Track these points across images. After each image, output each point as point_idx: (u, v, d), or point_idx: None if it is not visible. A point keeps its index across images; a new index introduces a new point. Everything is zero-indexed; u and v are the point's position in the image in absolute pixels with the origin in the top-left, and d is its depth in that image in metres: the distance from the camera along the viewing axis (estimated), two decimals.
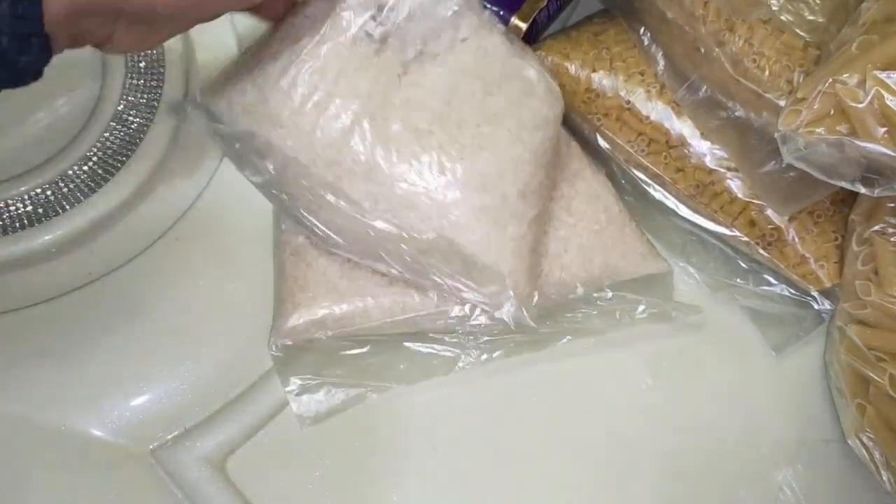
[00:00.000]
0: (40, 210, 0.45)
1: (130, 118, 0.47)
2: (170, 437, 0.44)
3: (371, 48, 0.38)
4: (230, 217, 0.49)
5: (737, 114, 0.42)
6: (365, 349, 0.45)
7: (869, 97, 0.34)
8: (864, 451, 0.42)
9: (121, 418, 0.44)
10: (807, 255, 0.45)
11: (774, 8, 0.39)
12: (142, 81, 0.48)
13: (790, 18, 0.39)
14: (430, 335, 0.45)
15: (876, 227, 0.43)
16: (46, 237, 0.44)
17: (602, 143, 0.48)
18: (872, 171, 0.36)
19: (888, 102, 0.33)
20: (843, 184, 0.37)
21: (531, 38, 0.49)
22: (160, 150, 0.47)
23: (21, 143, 0.48)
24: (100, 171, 0.46)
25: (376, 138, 0.38)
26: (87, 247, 0.46)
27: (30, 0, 0.28)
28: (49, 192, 0.45)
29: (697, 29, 0.41)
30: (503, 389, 0.46)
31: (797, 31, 0.39)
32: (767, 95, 0.40)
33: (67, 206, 0.45)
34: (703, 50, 0.41)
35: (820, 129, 0.35)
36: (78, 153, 0.46)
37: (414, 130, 0.38)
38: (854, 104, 0.34)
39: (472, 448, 0.45)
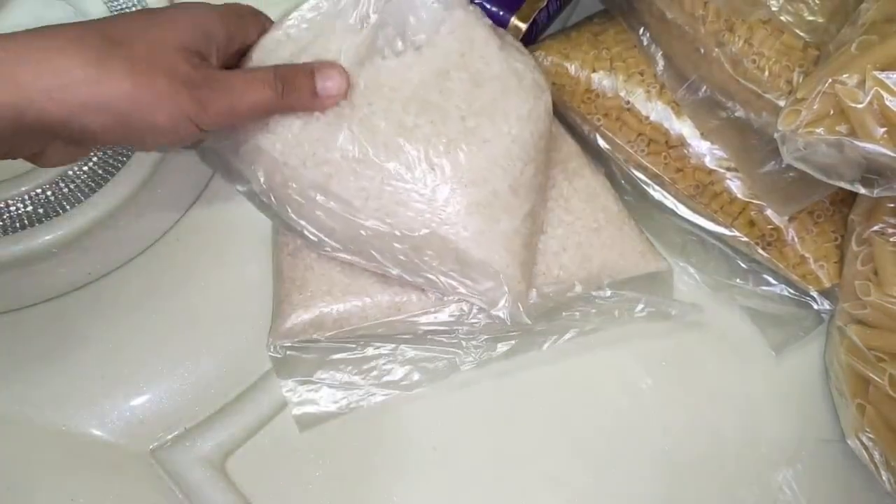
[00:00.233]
0: (40, 210, 0.45)
1: None
2: (170, 437, 0.44)
3: (357, 41, 0.38)
4: (230, 217, 0.49)
5: (736, 114, 0.42)
6: (364, 352, 0.45)
7: (868, 97, 0.34)
8: (863, 451, 0.42)
9: (121, 418, 0.44)
10: (806, 255, 0.45)
11: (774, 8, 0.39)
12: None
13: (790, 19, 0.39)
14: (429, 337, 0.45)
15: (875, 228, 0.43)
16: (46, 237, 0.44)
17: (602, 143, 0.48)
18: (872, 171, 0.36)
19: (887, 103, 0.33)
20: (843, 184, 0.37)
21: (531, 38, 0.49)
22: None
23: None
24: (100, 171, 0.46)
25: (363, 133, 0.38)
26: (87, 247, 0.46)
27: None
28: (49, 192, 0.46)
29: (697, 29, 0.41)
30: (503, 389, 0.46)
31: (797, 31, 0.39)
32: (767, 96, 0.40)
33: (67, 206, 0.45)
34: (702, 50, 0.42)
35: (819, 130, 0.35)
36: None
37: (399, 124, 0.38)
38: (853, 104, 0.34)
39: (471, 448, 0.45)
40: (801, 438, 0.46)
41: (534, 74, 0.40)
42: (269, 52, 0.39)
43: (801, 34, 0.39)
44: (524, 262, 0.40)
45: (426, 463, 0.45)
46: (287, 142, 0.38)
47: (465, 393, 0.46)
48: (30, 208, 0.45)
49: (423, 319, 0.43)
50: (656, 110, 0.46)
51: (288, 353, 0.44)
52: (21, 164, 0.46)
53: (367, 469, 0.45)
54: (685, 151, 0.46)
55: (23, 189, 0.45)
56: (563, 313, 0.46)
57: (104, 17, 0.34)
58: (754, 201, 0.45)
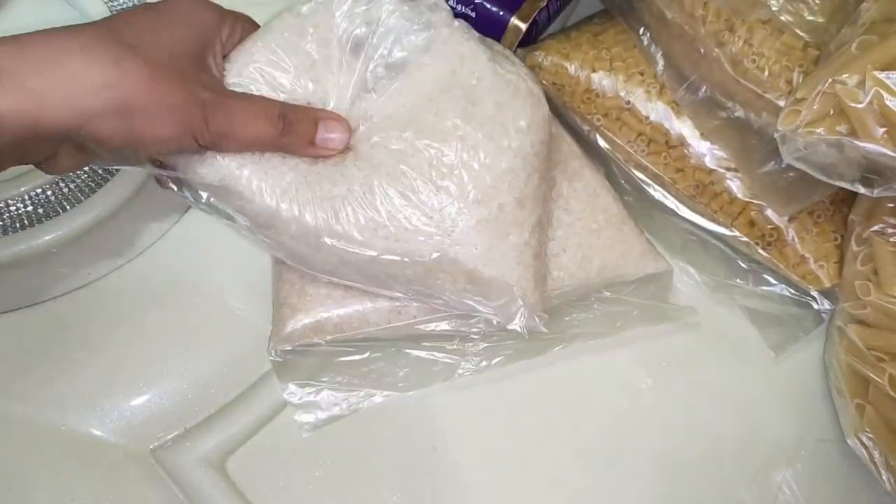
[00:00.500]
0: (40, 210, 0.45)
1: None
2: (170, 437, 0.44)
3: (349, 75, 0.38)
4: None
5: (736, 114, 0.42)
6: (365, 355, 0.45)
7: (868, 97, 0.34)
8: (863, 451, 0.42)
9: (121, 418, 0.44)
10: (806, 255, 0.45)
11: (774, 8, 0.39)
12: None
13: (790, 19, 0.39)
14: (430, 343, 0.45)
15: (875, 228, 0.43)
16: (46, 237, 0.44)
17: (602, 143, 0.48)
18: (872, 171, 0.36)
19: (887, 103, 0.33)
20: (843, 184, 0.37)
21: (531, 38, 0.49)
22: None
23: None
24: (100, 171, 0.46)
25: (366, 167, 0.37)
26: (87, 247, 0.46)
27: None
28: (49, 192, 0.46)
29: (697, 29, 0.41)
30: (503, 390, 0.46)
31: (797, 31, 0.39)
32: (767, 96, 0.40)
33: (67, 206, 0.45)
34: (702, 50, 0.42)
35: (819, 130, 0.35)
36: None
37: (400, 151, 0.38)
38: (853, 104, 0.34)
39: (472, 449, 0.45)
40: (801, 438, 0.46)
41: (527, 83, 0.40)
42: (250, 55, 0.38)
43: (801, 34, 0.39)
44: (537, 273, 0.40)
45: (426, 463, 0.45)
46: (292, 181, 0.37)
47: (466, 393, 0.46)
48: (30, 208, 0.45)
49: (424, 325, 0.43)
50: (656, 110, 0.46)
51: (288, 356, 0.44)
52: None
53: (367, 469, 0.45)
54: (685, 151, 0.46)
55: (23, 189, 0.45)
56: (564, 318, 0.46)
57: (110, 18, 0.34)
58: (754, 201, 0.45)
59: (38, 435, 0.43)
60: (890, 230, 0.43)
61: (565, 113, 0.49)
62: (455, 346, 0.45)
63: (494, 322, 0.41)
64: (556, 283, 0.43)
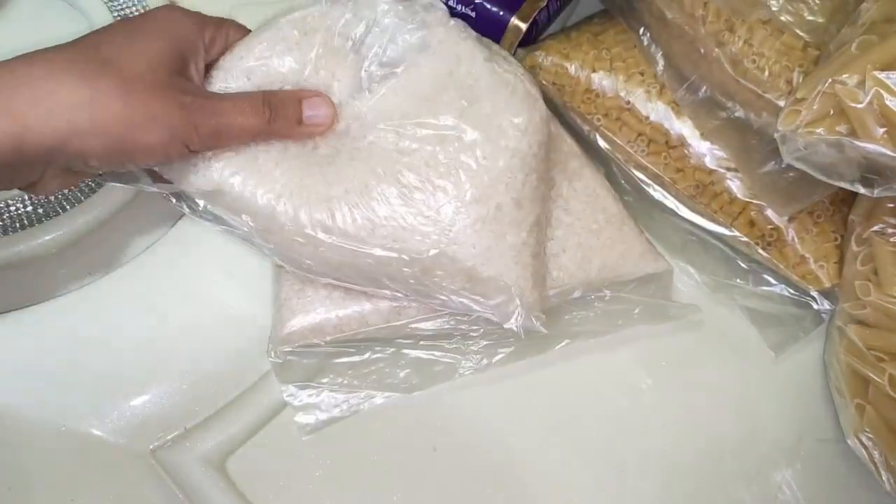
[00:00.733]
0: (40, 210, 0.45)
1: None
2: (170, 437, 0.44)
3: (346, 73, 0.38)
4: None
5: (736, 114, 0.42)
6: (365, 356, 0.45)
7: (868, 97, 0.34)
8: (863, 451, 0.42)
9: (121, 418, 0.44)
10: (806, 255, 0.45)
11: (774, 8, 0.39)
12: None
13: (790, 19, 0.39)
14: (429, 342, 0.45)
15: (875, 228, 0.43)
16: (46, 237, 0.44)
17: (602, 143, 0.48)
18: (872, 171, 0.36)
19: (887, 103, 0.33)
20: (843, 184, 0.37)
21: (531, 39, 0.49)
22: None
23: None
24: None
25: (363, 166, 0.37)
26: (87, 247, 0.46)
27: None
28: None
29: (697, 29, 0.41)
30: (503, 390, 0.46)
31: (797, 31, 0.39)
32: (767, 96, 0.40)
33: (67, 206, 0.45)
34: (702, 50, 0.42)
35: (819, 130, 0.35)
36: None
37: (398, 150, 0.38)
38: (853, 104, 0.34)
39: (472, 448, 0.45)
40: (801, 438, 0.46)
41: (524, 84, 0.40)
42: (239, 59, 0.38)
43: (801, 34, 0.39)
44: (535, 273, 0.40)
45: (426, 463, 0.45)
46: (286, 185, 0.37)
47: (466, 394, 0.46)
48: (30, 208, 0.45)
49: (424, 325, 0.43)
50: (656, 110, 0.46)
51: (288, 357, 0.44)
52: None
53: (367, 469, 0.45)
54: (685, 151, 0.46)
55: None
56: (564, 316, 0.46)
57: (89, 35, 0.34)
58: (754, 201, 0.45)
59: (38, 435, 0.43)
60: (890, 230, 0.43)
61: (565, 113, 0.49)
62: (455, 345, 0.45)
63: (494, 320, 0.41)
64: (556, 283, 0.43)
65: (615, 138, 0.47)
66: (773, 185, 0.43)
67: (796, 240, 0.45)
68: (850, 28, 0.37)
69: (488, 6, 0.48)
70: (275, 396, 0.45)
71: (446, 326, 0.43)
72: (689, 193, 0.46)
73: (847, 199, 0.46)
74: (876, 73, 0.34)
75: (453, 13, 0.47)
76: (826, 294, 0.46)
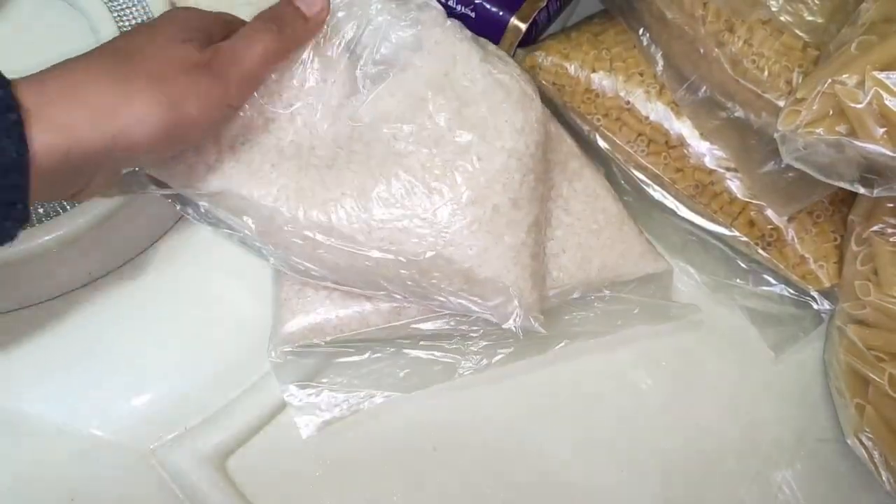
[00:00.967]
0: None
1: None
2: (170, 437, 0.44)
3: (336, 66, 0.38)
4: None
5: (736, 114, 0.42)
6: (365, 356, 0.45)
7: (868, 97, 0.34)
8: (863, 450, 0.42)
9: (121, 418, 0.44)
10: (806, 255, 0.45)
11: (774, 9, 0.39)
12: None
13: (789, 19, 0.39)
14: (429, 342, 0.45)
15: (875, 228, 0.43)
16: (46, 237, 0.44)
17: (601, 143, 0.48)
18: (871, 171, 0.36)
19: (887, 103, 0.33)
20: (842, 184, 0.37)
21: (531, 39, 0.49)
22: None
23: None
24: None
25: (360, 168, 0.37)
26: (87, 247, 0.46)
27: (17, 170, 0.29)
28: None
29: (697, 29, 0.41)
30: (503, 390, 0.46)
31: (796, 31, 0.39)
32: (767, 96, 0.40)
33: (67, 206, 0.45)
34: (702, 50, 0.42)
35: (819, 130, 0.35)
36: None
37: (394, 152, 0.38)
38: (853, 104, 0.34)
39: (472, 448, 0.45)
40: (801, 438, 0.46)
41: (520, 85, 0.40)
42: None
43: (801, 34, 0.39)
44: (534, 273, 0.40)
45: (426, 463, 0.45)
46: (283, 187, 0.37)
47: (466, 393, 0.46)
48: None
49: (424, 325, 0.43)
50: (656, 110, 0.46)
51: (288, 357, 0.44)
52: None
53: (367, 469, 0.45)
54: (685, 151, 0.46)
55: None
56: (564, 316, 0.46)
57: (113, 39, 0.35)
58: (754, 201, 0.45)
59: (38, 435, 0.44)
60: (890, 230, 0.43)
61: (565, 113, 0.49)
62: (455, 345, 0.45)
63: (493, 320, 0.41)
64: (556, 283, 0.43)
65: (615, 138, 0.47)
66: (772, 185, 0.43)
67: (796, 240, 0.45)
68: (849, 28, 0.37)
69: (488, 6, 0.48)
70: (275, 396, 0.45)
71: (446, 327, 0.43)
72: (689, 193, 0.46)
73: (847, 199, 0.46)
74: (875, 73, 0.34)
75: (452, 13, 0.47)
76: (826, 294, 0.46)
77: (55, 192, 0.33)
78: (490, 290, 0.39)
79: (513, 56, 0.48)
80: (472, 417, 0.46)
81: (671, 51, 0.44)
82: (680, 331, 0.47)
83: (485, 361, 0.45)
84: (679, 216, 0.48)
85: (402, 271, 0.38)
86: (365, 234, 0.37)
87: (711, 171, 0.45)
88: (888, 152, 0.34)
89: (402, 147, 0.38)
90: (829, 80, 0.35)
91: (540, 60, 0.48)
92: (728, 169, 0.45)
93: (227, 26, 0.38)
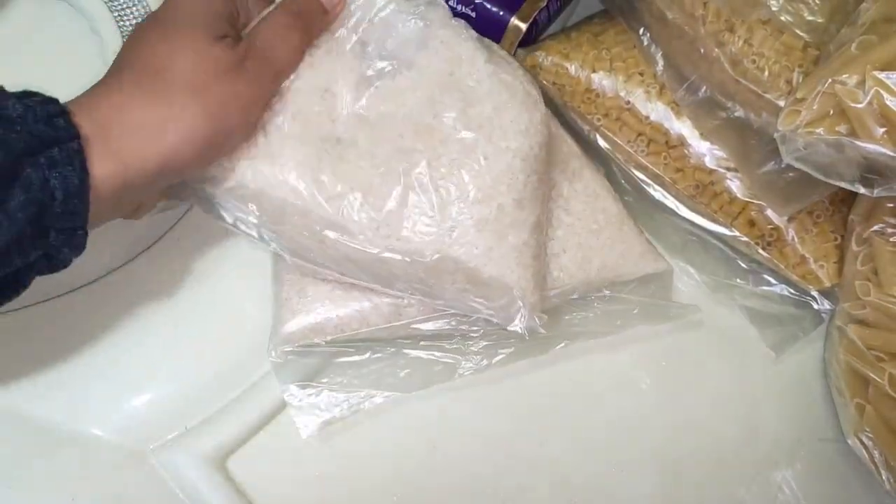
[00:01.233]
0: None
1: None
2: (170, 437, 0.44)
3: (349, 72, 0.38)
4: None
5: (736, 114, 0.42)
6: (365, 356, 0.45)
7: (868, 97, 0.34)
8: (863, 450, 0.42)
9: (121, 418, 0.44)
10: (806, 255, 0.45)
11: (774, 8, 0.39)
12: None
13: (790, 19, 0.39)
14: (430, 342, 0.45)
15: (875, 228, 0.43)
16: None
17: (602, 143, 0.48)
18: (871, 171, 0.36)
19: (887, 102, 0.33)
20: (843, 184, 0.37)
21: (531, 39, 0.49)
22: None
23: None
24: None
25: (367, 164, 0.38)
26: (87, 247, 0.46)
27: (79, 196, 0.30)
28: None
29: (697, 29, 0.41)
30: (503, 390, 0.46)
31: (797, 31, 0.39)
32: (767, 96, 0.40)
33: None
34: (702, 50, 0.42)
35: (819, 130, 0.35)
36: None
37: (399, 150, 0.38)
38: (853, 104, 0.34)
39: (472, 448, 0.45)
40: (801, 438, 0.46)
41: (524, 86, 0.40)
42: None
43: (801, 34, 0.39)
44: (536, 274, 0.40)
45: (426, 463, 0.45)
46: (292, 186, 0.37)
47: (466, 393, 0.46)
48: None
49: (424, 325, 0.43)
50: (656, 110, 0.46)
51: (289, 357, 0.44)
52: None
53: (367, 469, 0.45)
54: (685, 151, 0.46)
55: None
56: (564, 317, 0.46)
57: (129, 44, 0.35)
58: (754, 201, 0.45)
59: (38, 435, 0.43)
60: (890, 230, 0.43)
61: (565, 113, 0.49)
62: (455, 346, 0.45)
63: (494, 321, 0.41)
64: (556, 283, 0.43)
65: (615, 138, 0.47)
66: (772, 185, 0.43)
67: (796, 240, 0.45)
68: (850, 28, 0.37)
69: (488, 6, 0.48)
70: (275, 396, 0.45)
71: (447, 327, 0.43)
72: (689, 193, 0.46)
73: (847, 199, 0.46)
74: (876, 73, 0.34)
75: (454, 13, 0.47)
76: (826, 294, 0.46)
77: (110, 214, 0.33)
78: (494, 291, 0.39)
79: (513, 56, 0.48)
80: (472, 417, 0.46)
81: (671, 51, 0.44)
82: (680, 331, 0.47)
83: (485, 362, 0.45)
84: (679, 216, 0.48)
85: (409, 270, 0.38)
86: (372, 231, 0.37)
87: (711, 171, 0.45)
88: (888, 152, 0.34)
89: (409, 145, 0.38)
90: (830, 80, 0.35)
91: (540, 60, 0.48)
92: (728, 169, 0.45)
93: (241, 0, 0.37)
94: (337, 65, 0.38)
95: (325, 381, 0.45)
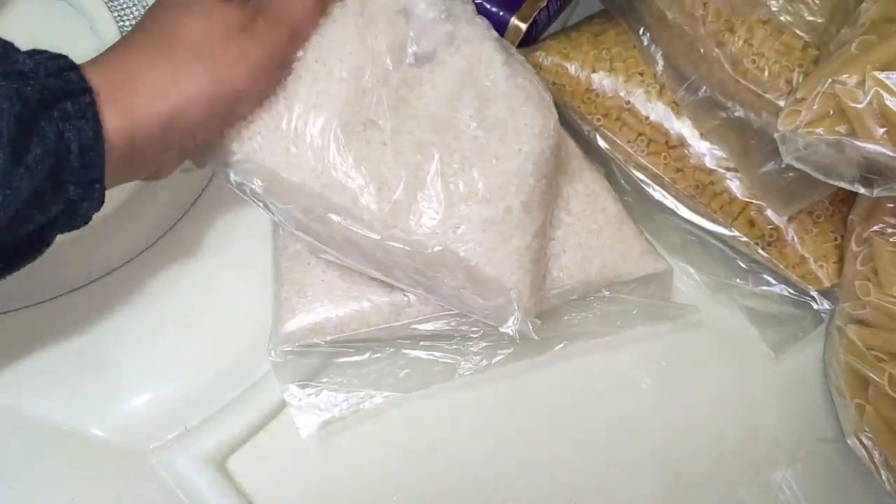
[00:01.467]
0: None
1: None
2: (170, 437, 0.44)
3: (384, 52, 0.38)
4: (230, 217, 0.49)
5: (736, 114, 0.42)
6: (365, 356, 0.45)
7: (868, 97, 0.34)
8: (863, 450, 0.42)
9: (121, 418, 0.44)
10: (806, 255, 0.45)
11: (774, 8, 0.39)
12: None
13: (790, 19, 0.39)
14: (429, 343, 0.45)
15: (875, 228, 0.43)
16: None
17: (601, 143, 0.48)
18: (871, 171, 0.36)
19: (887, 102, 0.33)
20: (843, 184, 0.37)
21: (531, 39, 0.49)
22: None
23: None
24: None
25: (382, 150, 0.38)
26: (87, 246, 0.46)
27: (94, 149, 0.30)
28: None
29: (697, 29, 0.41)
30: (503, 390, 0.46)
31: (797, 31, 0.39)
32: (767, 96, 0.40)
33: None
34: (702, 50, 0.42)
35: (819, 130, 0.35)
36: None
37: (417, 142, 0.38)
38: (853, 104, 0.34)
39: (472, 448, 0.45)
40: (801, 438, 0.46)
41: (540, 90, 0.40)
42: None
43: (801, 34, 0.39)
44: (534, 279, 0.40)
45: (426, 463, 0.45)
46: (313, 168, 0.37)
47: (466, 394, 0.46)
48: None
49: (424, 325, 0.43)
50: (656, 110, 0.46)
51: (288, 357, 0.44)
52: None
53: (366, 469, 0.45)
54: (685, 151, 0.46)
55: None
56: (564, 317, 0.46)
57: (153, 9, 0.35)
58: (754, 201, 0.45)
59: (38, 435, 0.43)
60: (890, 230, 0.43)
61: (565, 113, 0.49)
62: (455, 346, 0.45)
63: (489, 322, 0.41)
64: (556, 283, 0.43)
65: (615, 138, 0.47)
66: (772, 185, 0.43)
67: (796, 240, 0.45)
68: (850, 28, 0.37)
69: (488, 6, 0.48)
70: (275, 396, 0.45)
71: (446, 327, 0.43)
72: (689, 193, 0.46)
73: (847, 199, 0.46)
74: (876, 73, 0.34)
75: None
76: (826, 294, 0.46)
77: (125, 173, 0.33)
78: (491, 290, 0.39)
79: None
80: (472, 418, 0.46)
81: (671, 51, 0.44)
82: (680, 331, 0.47)
83: (485, 362, 0.45)
84: (679, 216, 0.48)
85: (408, 260, 0.38)
86: (380, 221, 0.37)
87: (711, 171, 0.45)
88: (888, 152, 0.34)
89: (426, 137, 0.38)
90: (830, 80, 0.35)
91: (540, 60, 0.48)
92: (728, 169, 0.45)
93: None
94: (365, 47, 0.38)
95: (324, 380, 0.45)
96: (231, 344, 0.46)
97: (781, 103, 0.39)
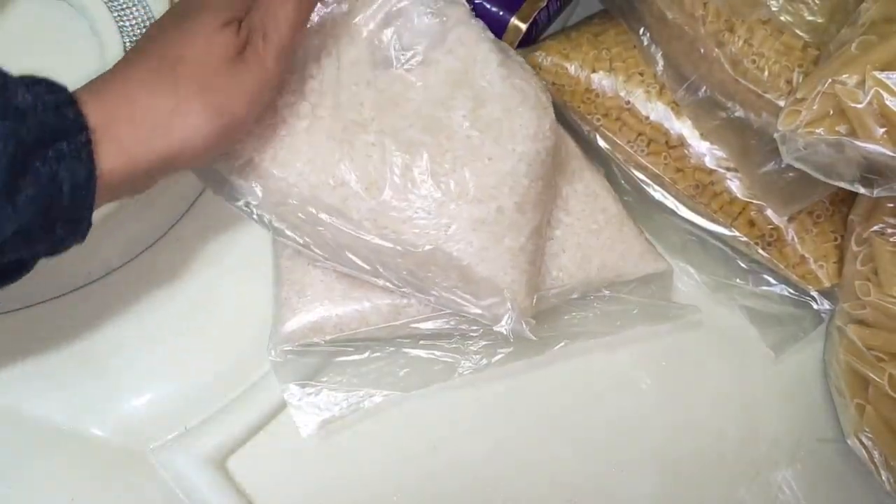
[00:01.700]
0: None
1: None
2: (170, 437, 0.44)
3: (361, 58, 0.38)
4: (230, 218, 0.49)
5: (736, 114, 0.42)
6: (364, 355, 0.45)
7: (868, 97, 0.34)
8: (863, 450, 0.42)
9: (121, 418, 0.44)
10: (806, 255, 0.45)
11: (774, 8, 0.39)
12: None
13: (790, 19, 0.39)
14: (429, 342, 0.45)
15: (875, 228, 0.43)
16: None
17: (601, 143, 0.48)
18: (871, 171, 0.36)
19: (887, 102, 0.33)
20: (843, 184, 0.37)
21: (531, 39, 0.49)
22: None
23: None
24: None
25: (374, 148, 0.38)
26: (87, 247, 0.46)
27: (86, 189, 0.30)
28: None
29: (697, 29, 0.41)
30: (503, 389, 0.46)
31: (797, 31, 0.39)
32: (767, 96, 0.40)
33: None
34: (702, 50, 0.42)
35: (819, 130, 0.35)
36: None
37: (407, 142, 0.38)
38: (853, 104, 0.34)
39: (472, 448, 0.45)
40: (801, 438, 0.46)
41: (537, 91, 0.40)
42: None
43: (801, 34, 0.39)
44: (530, 279, 0.40)
45: (426, 463, 0.45)
46: (299, 169, 0.37)
47: (466, 393, 0.46)
48: None
49: (423, 324, 0.43)
50: (656, 110, 0.46)
51: (288, 356, 0.44)
52: None
53: (366, 468, 0.45)
54: (685, 151, 0.46)
55: None
56: (564, 316, 0.46)
57: (150, 32, 0.35)
58: (754, 201, 0.45)
59: (37, 435, 0.43)
60: (890, 230, 0.43)
61: (565, 113, 0.49)
62: (454, 345, 0.45)
63: (483, 321, 0.41)
64: (556, 283, 0.43)
65: (615, 138, 0.47)
66: (772, 185, 0.43)
67: (796, 240, 0.45)
68: (850, 28, 0.37)
69: (488, 6, 0.48)
70: (275, 396, 0.45)
71: (446, 326, 0.43)
72: (689, 193, 0.46)
73: (847, 199, 0.46)
74: (876, 73, 0.34)
75: None
76: (826, 294, 0.46)
77: (117, 198, 0.33)
78: (484, 290, 0.39)
79: None
80: (471, 417, 0.46)
81: (671, 51, 0.44)
82: (680, 331, 0.47)
83: (484, 361, 0.45)
84: (679, 216, 0.48)
85: (399, 260, 0.38)
86: (369, 220, 0.37)
87: (711, 171, 0.45)
88: (888, 152, 0.34)
89: (417, 137, 0.38)
90: (830, 80, 0.35)
91: (540, 60, 0.48)
92: (728, 169, 0.45)
93: None
94: (354, 52, 0.38)
95: (324, 380, 0.45)
96: (231, 344, 0.46)
97: (781, 103, 0.39)
